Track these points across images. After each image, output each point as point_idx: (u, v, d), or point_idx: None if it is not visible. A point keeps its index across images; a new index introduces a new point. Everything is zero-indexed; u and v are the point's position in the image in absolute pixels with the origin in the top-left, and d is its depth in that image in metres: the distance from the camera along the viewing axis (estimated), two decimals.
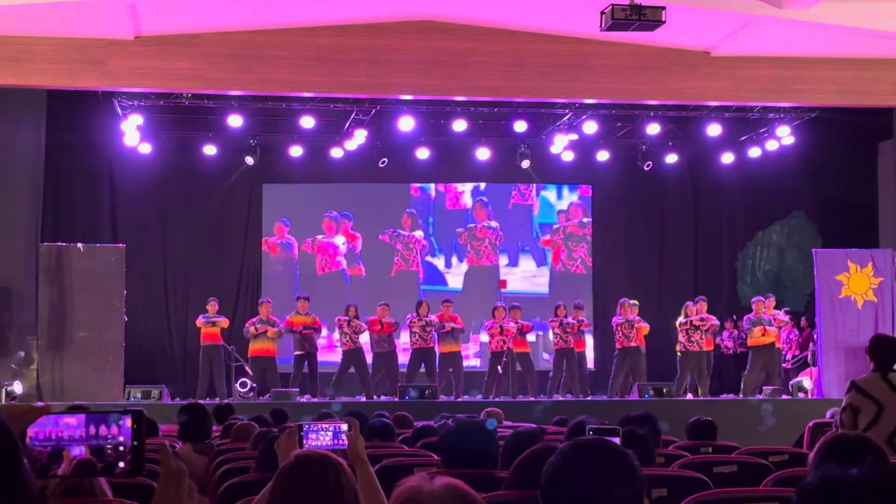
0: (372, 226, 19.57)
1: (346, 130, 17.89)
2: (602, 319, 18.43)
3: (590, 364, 18.47)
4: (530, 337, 17.39)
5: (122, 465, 2.15)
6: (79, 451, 2.14)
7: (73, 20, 13.34)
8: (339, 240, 19.52)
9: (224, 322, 16.46)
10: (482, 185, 19.94)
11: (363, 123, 17.64)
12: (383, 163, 18.26)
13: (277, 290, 18.57)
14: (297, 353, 16.42)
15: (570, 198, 20.16)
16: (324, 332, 17.46)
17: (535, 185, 20.03)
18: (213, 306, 16.43)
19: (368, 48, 14.42)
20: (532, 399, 16.34)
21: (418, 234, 19.69)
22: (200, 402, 10.50)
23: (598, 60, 14.78)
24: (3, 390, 14.29)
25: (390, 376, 16.46)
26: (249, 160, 17.93)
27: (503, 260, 19.89)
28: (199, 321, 16.47)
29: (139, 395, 14.95)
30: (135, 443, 2.15)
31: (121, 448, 2.14)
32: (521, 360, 16.73)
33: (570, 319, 16.92)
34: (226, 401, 14.19)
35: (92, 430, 2.15)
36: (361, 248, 19.54)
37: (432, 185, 19.86)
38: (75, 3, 12.63)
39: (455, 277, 19.71)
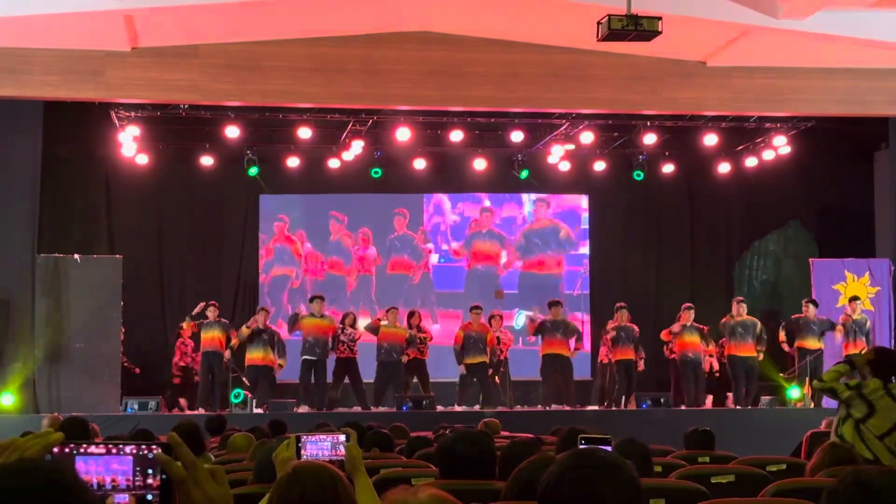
0: (375, 234, 19.66)
1: (343, 141, 17.91)
2: (600, 329, 18.37)
3: (586, 373, 18.48)
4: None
5: (150, 497, 2.18)
6: (123, 499, 2.17)
7: (70, 32, 13.35)
8: (372, 251, 19.68)
9: (218, 334, 16.11)
10: (474, 195, 19.99)
11: (360, 134, 17.67)
12: (377, 173, 18.30)
13: (330, 293, 18.63)
14: (305, 357, 15.98)
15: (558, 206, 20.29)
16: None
17: (531, 194, 20.08)
18: (213, 312, 16.11)
19: (365, 59, 14.44)
20: (529, 409, 16.35)
21: (429, 245, 19.82)
22: (188, 419, 10.43)
23: (595, 71, 14.80)
24: None
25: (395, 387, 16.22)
26: (253, 171, 17.92)
27: (503, 255, 19.96)
28: (186, 328, 16.23)
29: (136, 406, 14.90)
30: (163, 476, 2.17)
31: (158, 491, 2.19)
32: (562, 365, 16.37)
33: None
34: (220, 412, 14.15)
35: (139, 479, 2.18)
36: (374, 255, 19.73)
37: (430, 195, 19.92)
38: (72, 14, 12.63)
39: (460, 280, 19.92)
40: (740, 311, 16.37)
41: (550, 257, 20.05)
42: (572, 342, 16.48)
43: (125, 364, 16.26)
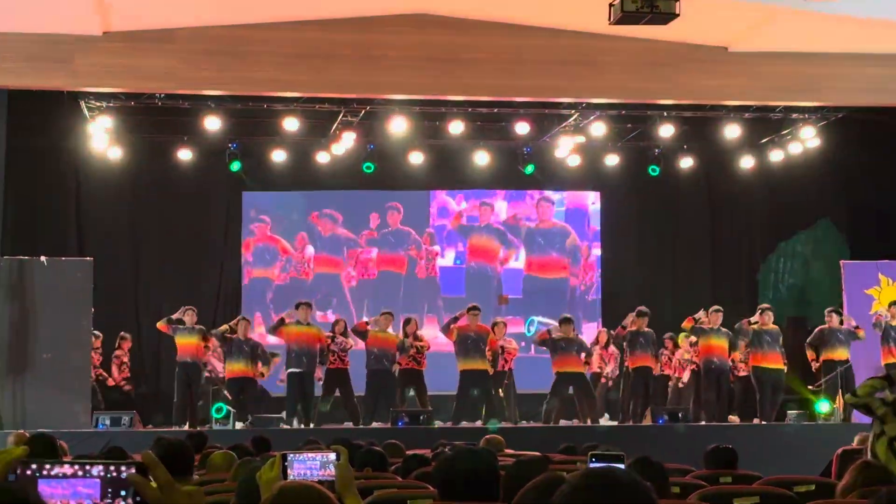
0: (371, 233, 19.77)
1: (333, 133, 17.91)
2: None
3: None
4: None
5: None
6: None
7: (36, 15, 13.34)
8: (374, 253, 19.82)
9: (195, 339, 15.92)
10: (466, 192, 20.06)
11: (351, 126, 17.66)
12: (369, 168, 18.31)
13: (325, 296, 18.85)
14: (291, 370, 15.93)
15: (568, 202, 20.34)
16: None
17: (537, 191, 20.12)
18: (190, 316, 15.94)
19: (357, 44, 14.42)
20: (536, 425, 16.34)
21: (436, 248, 19.94)
22: (176, 436, 10.38)
23: (606, 57, 14.79)
24: None
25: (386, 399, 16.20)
26: (236, 165, 17.94)
27: (502, 252, 20.02)
28: (162, 325, 16.11)
29: (108, 422, 14.87)
30: (137, 498, 2.17)
31: None
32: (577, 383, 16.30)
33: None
34: (200, 428, 14.12)
35: (109, 502, 2.17)
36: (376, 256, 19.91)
37: (435, 195, 19.99)
38: None
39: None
40: (766, 320, 16.33)
41: (556, 260, 20.07)
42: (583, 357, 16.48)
43: (121, 380, 16.15)
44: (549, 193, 20.16)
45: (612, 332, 17.56)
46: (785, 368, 16.36)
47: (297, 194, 19.65)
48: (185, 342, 15.89)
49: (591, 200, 20.31)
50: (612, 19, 10.92)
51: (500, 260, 20.09)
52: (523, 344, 18.70)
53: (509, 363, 16.85)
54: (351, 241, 19.77)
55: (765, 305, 16.82)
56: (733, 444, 7.54)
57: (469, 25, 14.58)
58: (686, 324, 16.47)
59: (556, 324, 16.83)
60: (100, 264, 16.33)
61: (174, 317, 16.01)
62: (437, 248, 19.98)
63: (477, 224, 20.06)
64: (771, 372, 16.19)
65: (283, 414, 15.75)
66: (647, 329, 16.52)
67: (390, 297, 19.16)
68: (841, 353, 16.11)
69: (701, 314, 16.41)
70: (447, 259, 20.05)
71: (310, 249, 19.65)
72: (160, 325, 16.17)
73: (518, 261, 20.16)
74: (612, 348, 17.52)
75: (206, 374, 16.56)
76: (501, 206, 20.18)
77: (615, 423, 16.59)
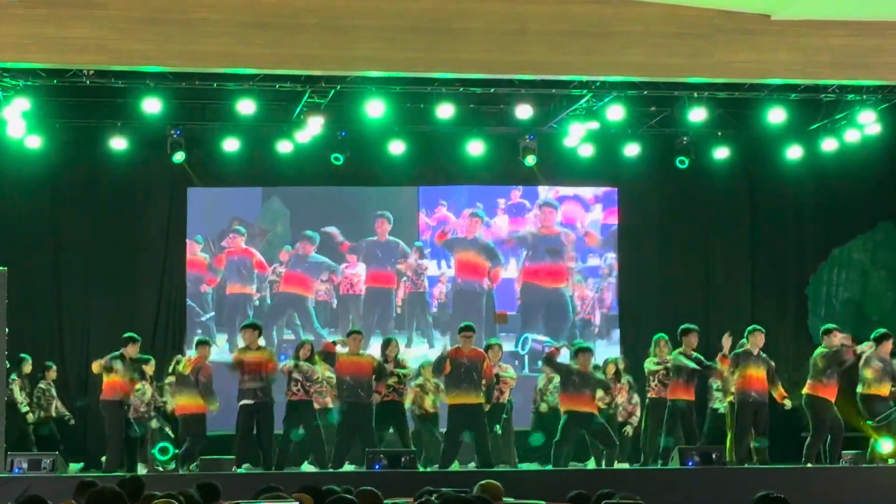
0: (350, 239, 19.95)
1: (297, 118, 17.90)
2: (633, 363, 18.36)
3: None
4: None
5: None
6: None
7: None
8: (361, 268, 19.99)
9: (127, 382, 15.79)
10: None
11: (319, 109, 17.63)
12: (338, 159, 18.29)
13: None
14: (244, 402, 15.90)
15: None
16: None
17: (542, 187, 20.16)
18: (133, 348, 15.80)
19: (325, 10, 14.42)
20: (541, 468, 16.35)
21: (426, 262, 20.13)
22: (106, 484, 10.33)
23: (625, 26, 14.81)
24: None
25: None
26: (179, 156, 17.90)
27: (490, 263, 20.24)
28: (97, 365, 16.06)
29: (25, 466, 14.85)
30: None
31: None
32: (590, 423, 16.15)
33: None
34: (135, 473, 14.10)
35: None
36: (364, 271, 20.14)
37: (429, 198, 20.18)
38: None
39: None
40: (833, 342, 16.18)
41: (558, 267, 20.11)
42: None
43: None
44: (548, 198, 20.16)
45: (626, 360, 17.68)
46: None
47: (253, 191, 19.66)
48: (117, 378, 15.75)
49: (607, 198, 20.27)
50: None
51: (491, 275, 20.11)
52: (516, 363, 18.76)
53: (505, 394, 16.80)
54: (330, 250, 19.87)
55: (830, 326, 16.56)
56: (780, 491, 7.52)
57: None
58: (723, 363, 16.23)
59: (559, 345, 16.83)
60: (15, 275, 16.27)
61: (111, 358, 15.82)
62: (426, 262, 20.02)
63: (465, 237, 20.12)
64: (830, 404, 16.14)
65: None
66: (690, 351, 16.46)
67: (379, 316, 19.46)
68: (884, 388, 16.01)
69: (726, 341, 16.20)
70: (434, 270, 20.13)
71: (345, 268, 19.95)
72: (96, 368, 15.91)
73: (513, 270, 20.17)
74: (623, 380, 17.41)
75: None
76: (494, 213, 20.22)
77: (635, 466, 16.58)
